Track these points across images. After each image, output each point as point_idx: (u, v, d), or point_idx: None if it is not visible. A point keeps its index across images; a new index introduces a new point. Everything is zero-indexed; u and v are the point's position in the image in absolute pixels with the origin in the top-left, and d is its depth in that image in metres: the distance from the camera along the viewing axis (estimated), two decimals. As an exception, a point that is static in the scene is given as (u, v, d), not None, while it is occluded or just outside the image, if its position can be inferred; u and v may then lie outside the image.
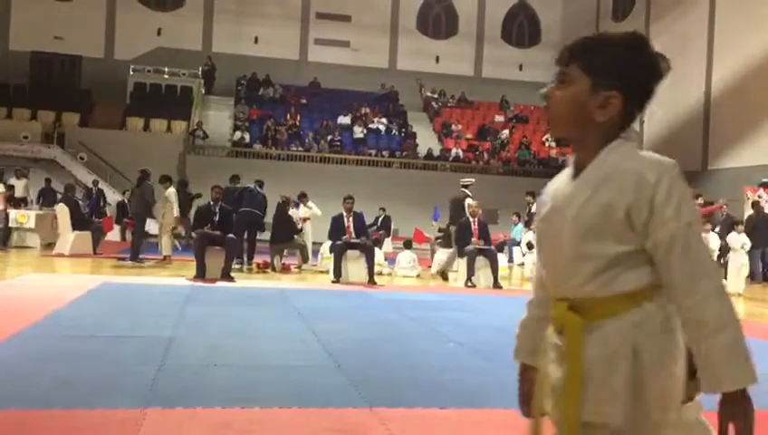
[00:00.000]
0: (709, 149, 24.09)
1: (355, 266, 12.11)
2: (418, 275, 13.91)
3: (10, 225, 15.61)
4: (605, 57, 1.64)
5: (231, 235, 11.63)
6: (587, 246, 1.61)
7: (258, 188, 14.10)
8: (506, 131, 30.66)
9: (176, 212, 14.32)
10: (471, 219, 12.59)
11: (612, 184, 1.59)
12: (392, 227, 19.79)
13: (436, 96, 33.09)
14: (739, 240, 13.45)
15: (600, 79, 1.62)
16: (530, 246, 15.03)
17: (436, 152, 29.09)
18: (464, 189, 13.95)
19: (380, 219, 18.80)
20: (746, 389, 1.50)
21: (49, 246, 15.35)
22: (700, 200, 16.24)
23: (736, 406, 1.50)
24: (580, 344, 1.61)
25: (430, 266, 14.56)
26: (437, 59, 34.27)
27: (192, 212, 14.27)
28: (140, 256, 13.35)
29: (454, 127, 30.76)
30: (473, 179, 14.49)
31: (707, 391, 1.53)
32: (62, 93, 28.20)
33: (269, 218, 14.32)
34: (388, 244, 18.33)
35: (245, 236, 13.39)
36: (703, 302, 1.52)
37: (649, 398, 1.56)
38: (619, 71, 1.62)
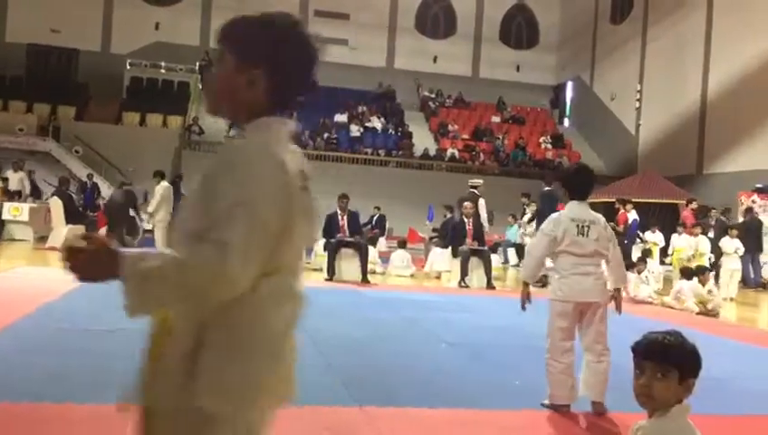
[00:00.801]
0: (704, 152, 24.13)
1: (349, 265, 12.09)
2: (412, 275, 13.90)
3: (3, 217, 15.55)
4: (248, 36, 1.65)
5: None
6: (183, 220, 1.60)
7: None
8: (501, 135, 30.71)
9: (151, 208, 14.22)
10: (465, 220, 12.60)
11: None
12: (387, 227, 19.77)
13: (433, 96, 33.11)
14: (732, 245, 13.47)
15: (243, 57, 1.63)
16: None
17: (432, 152, 29.09)
18: (473, 190, 13.86)
19: (375, 218, 18.78)
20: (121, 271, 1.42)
21: (42, 239, 15.30)
22: (694, 205, 16.26)
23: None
24: (164, 323, 1.56)
25: (424, 266, 14.56)
26: (435, 59, 34.26)
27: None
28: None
29: (450, 127, 30.77)
30: (481, 181, 14.45)
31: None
32: (58, 86, 28.04)
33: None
34: (382, 243, 18.30)
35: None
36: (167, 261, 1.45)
37: (201, 386, 1.50)
38: (261, 49, 1.63)
